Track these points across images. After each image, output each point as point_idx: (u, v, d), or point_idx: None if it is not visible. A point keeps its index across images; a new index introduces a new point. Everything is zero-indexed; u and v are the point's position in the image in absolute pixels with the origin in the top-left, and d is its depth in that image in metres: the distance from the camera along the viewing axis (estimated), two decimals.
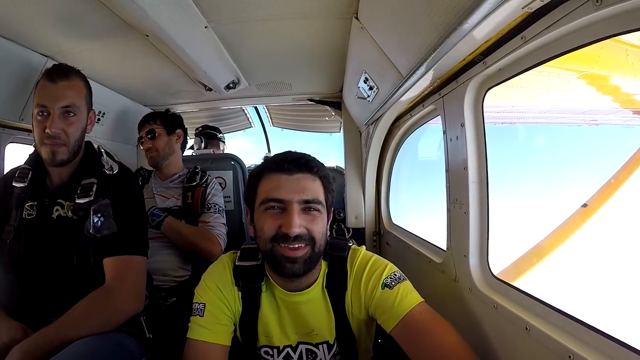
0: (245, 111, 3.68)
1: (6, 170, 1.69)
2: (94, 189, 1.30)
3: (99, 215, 1.23)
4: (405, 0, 1.00)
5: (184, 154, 3.00)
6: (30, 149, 1.76)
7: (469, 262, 1.13)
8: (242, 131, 3.96)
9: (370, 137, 2.12)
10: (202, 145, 3.10)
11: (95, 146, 1.49)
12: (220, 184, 2.48)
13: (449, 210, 1.28)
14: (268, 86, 2.39)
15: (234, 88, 2.22)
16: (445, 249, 1.33)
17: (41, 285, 1.30)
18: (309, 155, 1.10)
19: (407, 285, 1.07)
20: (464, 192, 1.15)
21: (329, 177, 1.11)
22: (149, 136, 2.03)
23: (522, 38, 0.87)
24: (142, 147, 2.10)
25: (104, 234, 1.23)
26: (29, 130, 1.73)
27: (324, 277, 1.13)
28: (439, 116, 1.37)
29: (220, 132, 3.25)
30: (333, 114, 2.65)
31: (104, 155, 1.43)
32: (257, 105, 3.49)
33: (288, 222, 0.99)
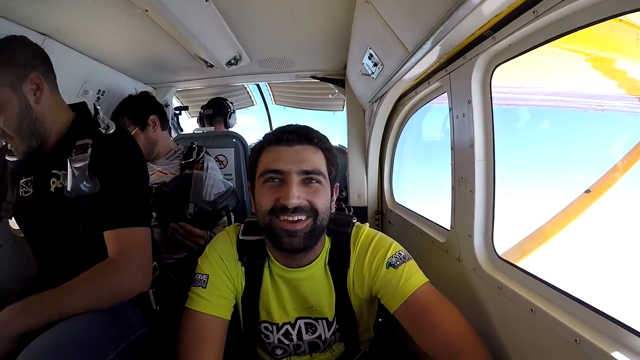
0: (248, 89, 3.63)
1: None
2: (89, 150, 1.16)
3: (77, 166, 1.12)
4: None
5: (183, 133, 2.99)
6: None
7: (474, 242, 1.12)
8: (244, 109, 3.91)
9: (374, 115, 2.09)
10: (204, 126, 3.05)
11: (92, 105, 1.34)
12: (221, 161, 2.48)
13: (453, 189, 1.26)
14: (270, 63, 2.34)
15: (236, 64, 2.19)
16: (449, 228, 1.32)
17: (51, 258, 1.25)
18: (311, 127, 1.06)
19: (412, 265, 1.06)
20: (469, 171, 1.13)
21: (332, 150, 1.07)
22: None
23: (533, 12, 0.84)
24: None
25: (82, 192, 1.11)
26: None
27: (327, 253, 1.11)
28: (445, 93, 1.35)
29: (229, 105, 3.16)
30: (336, 91, 2.61)
31: (100, 114, 1.27)
32: (259, 83, 3.44)
33: (286, 193, 0.96)
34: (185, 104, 3.53)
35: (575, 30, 0.79)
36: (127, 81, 2.38)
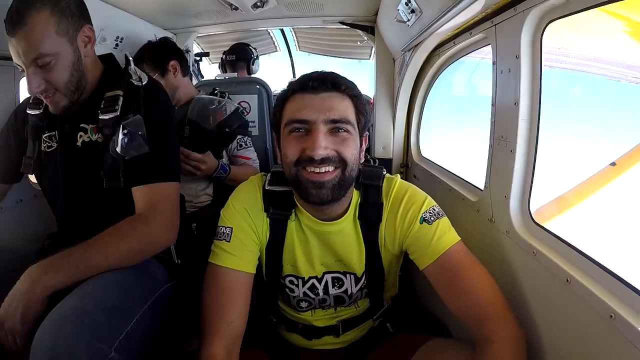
0: (271, 34, 3.50)
1: None
2: (120, 102, 1.13)
3: (126, 132, 1.07)
4: None
5: (205, 79, 2.94)
6: None
7: (509, 204, 1.09)
8: (267, 55, 3.79)
9: (405, 65, 1.99)
10: (226, 72, 2.99)
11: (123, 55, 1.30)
12: (244, 108, 2.44)
13: (491, 147, 1.21)
14: (298, 6, 2.21)
15: (262, 7, 2.08)
16: (482, 188, 1.29)
17: (70, 213, 1.22)
18: (338, 74, 1.00)
19: (445, 222, 1.04)
20: (512, 129, 1.07)
21: (361, 97, 1.01)
22: None
23: None
24: None
25: (131, 155, 1.08)
26: None
27: (356, 207, 1.08)
28: (488, 46, 1.25)
29: (252, 51, 3.06)
30: (365, 39, 2.48)
31: (132, 65, 1.23)
32: (284, 28, 3.30)
33: (312, 144, 0.92)
34: (206, 50, 3.44)
35: None
36: (146, 27, 2.29)
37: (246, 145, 1.98)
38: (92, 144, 1.16)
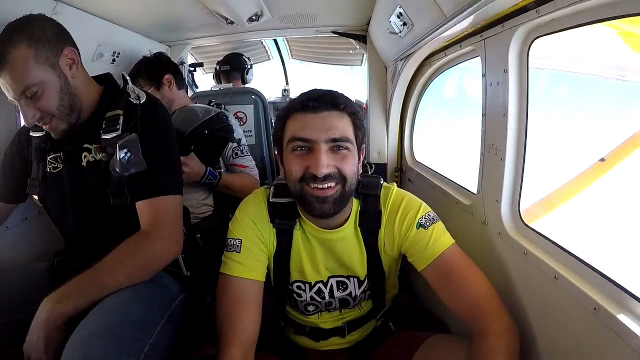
0: (264, 43, 3.56)
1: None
2: (121, 121, 1.16)
3: (126, 151, 1.11)
4: None
5: (201, 90, 2.96)
6: None
7: (501, 207, 1.17)
8: (259, 64, 3.85)
9: (398, 73, 2.06)
10: (220, 82, 3.01)
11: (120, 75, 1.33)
12: (240, 118, 2.49)
13: (482, 155, 1.29)
14: (292, 18, 2.28)
15: (257, 20, 2.14)
16: (475, 192, 1.37)
17: (79, 231, 1.25)
18: (336, 92, 1.06)
19: (440, 226, 1.11)
20: (501, 139, 1.15)
21: (359, 114, 1.07)
22: None
23: None
24: None
25: (131, 172, 1.11)
26: None
27: (357, 215, 1.15)
28: (477, 57, 1.33)
29: (246, 60, 3.07)
30: (357, 47, 2.56)
31: (129, 83, 1.27)
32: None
33: (315, 163, 0.98)
34: (199, 61, 3.47)
35: (628, 17, 0.77)
36: (141, 41, 2.33)
37: (242, 153, 1.98)
38: (97, 163, 1.19)
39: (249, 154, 2.02)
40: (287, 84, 4.09)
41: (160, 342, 0.98)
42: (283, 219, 1.15)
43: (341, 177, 1.01)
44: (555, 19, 0.95)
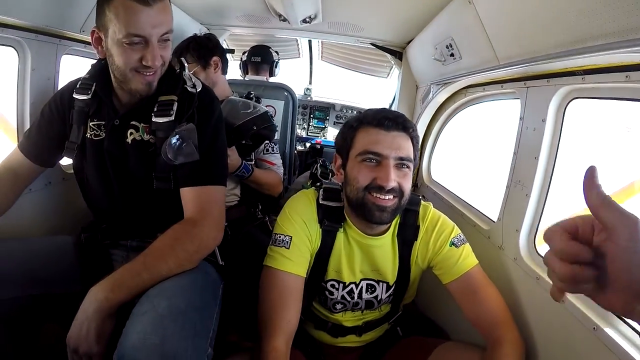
0: (298, 41, 3.64)
1: (61, 83, 1.54)
2: (175, 107, 1.16)
3: (178, 137, 1.11)
4: (531, 7, 1.07)
5: (234, 78, 2.98)
6: (85, 61, 1.70)
7: (519, 236, 1.30)
8: (287, 60, 3.93)
9: (431, 96, 2.19)
10: (247, 73, 3.04)
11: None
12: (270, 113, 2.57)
13: (508, 187, 1.42)
14: (340, 25, 2.38)
15: (309, 22, 2.23)
16: (495, 219, 1.50)
17: (114, 208, 1.24)
18: (405, 116, 1.21)
19: (468, 248, 1.27)
20: (529, 177, 1.29)
21: (419, 138, 1.22)
22: None
23: (626, 77, 0.95)
24: None
25: (180, 161, 1.12)
26: (87, 42, 1.57)
27: (396, 226, 1.28)
28: (517, 100, 1.45)
29: (273, 54, 3.05)
30: (392, 63, 2.68)
31: (186, 70, 1.26)
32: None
33: (385, 176, 1.10)
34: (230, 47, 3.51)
35: None
36: (183, 19, 2.35)
37: (273, 150, 2.06)
38: (143, 143, 1.19)
39: (278, 152, 2.09)
40: (310, 82, 4.17)
41: (216, 327, 1.03)
42: (331, 221, 1.24)
43: (400, 192, 1.15)
44: (598, 88, 1.09)
